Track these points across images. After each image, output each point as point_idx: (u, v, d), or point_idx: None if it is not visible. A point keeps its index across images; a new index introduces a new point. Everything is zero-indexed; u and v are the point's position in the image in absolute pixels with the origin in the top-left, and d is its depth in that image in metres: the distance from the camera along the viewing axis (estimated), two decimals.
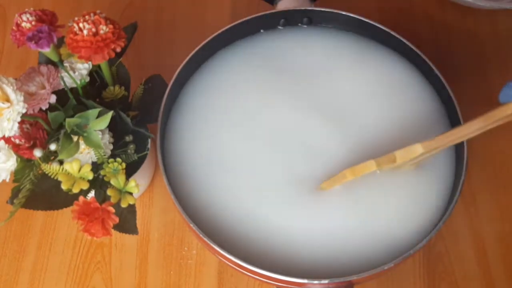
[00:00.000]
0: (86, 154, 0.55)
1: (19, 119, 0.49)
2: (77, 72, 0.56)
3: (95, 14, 0.50)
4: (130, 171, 0.58)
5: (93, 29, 0.49)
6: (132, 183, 0.53)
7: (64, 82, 0.54)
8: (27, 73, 0.54)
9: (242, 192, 0.55)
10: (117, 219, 0.51)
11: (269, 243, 0.53)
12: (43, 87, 0.53)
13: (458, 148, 0.56)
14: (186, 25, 0.80)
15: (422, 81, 0.61)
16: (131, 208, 0.54)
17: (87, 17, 0.50)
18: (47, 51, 0.51)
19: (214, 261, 0.65)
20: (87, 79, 0.56)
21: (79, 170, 0.52)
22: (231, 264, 0.52)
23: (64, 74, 0.55)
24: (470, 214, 0.67)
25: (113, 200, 0.51)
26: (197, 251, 0.66)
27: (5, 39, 0.80)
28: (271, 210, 0.54)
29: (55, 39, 0.50)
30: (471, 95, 0.71)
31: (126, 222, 0.55)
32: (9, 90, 0.48)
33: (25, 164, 0.54)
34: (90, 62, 0.56)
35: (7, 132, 0.49)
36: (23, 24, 0.51)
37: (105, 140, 0.55)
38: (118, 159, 0.53)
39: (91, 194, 0.55)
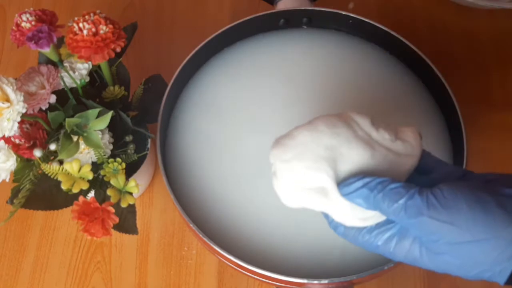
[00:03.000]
0: (86, 154, 0.55)
1: (19, 119, 0.49)
2: (77, 72, 0.56)
3: (95, 14, 0.50)
4: (130, 171, 0.58)
5: (93, 29, 0.49)
6: (132, 183, 0.53)
7: (64, 82, 0.54)
8: (27, 73, 0.54)
9: (243, 192, 0.55)
10: (117, 219, 0.51)
11: (269, 243, 0.53)
12: (43, 87, 0.53)
13: (458, 148, 0.56)
14: (186, 25, 0.80)
15: (423, 82, 0.61)
16: (131, 208, 0.54)
17: (87, 17, 0.50)
18: (47, 51, 0.51)
19: (214, 261, 0.65)
20: (87, 79, 0.56)
21: (79, 170, 0.52)
22: (231, 264, 0.52)
23: (64, 74, 0.55)
24: None
25: (113, 200, 0.51)
26: (197, 251, 0.66)
27: (5, 39, 0.80)
28: (271, 210, 0.54)
29: (55, 39, 0.50)
30: (471, 95, 0.71)
31: (126, 222, 0.55)
32: (9, 90, 0.48)
33: (25, 164, 0.54)
34: (90, 62, 0.56)
35: (7, 132, 0.49)
36: (23, 24, 0.51)
37: (105, 140, 0.55)
38: (118, 159, 0.53)
39: (91, 194, 0.55)
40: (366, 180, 0.36)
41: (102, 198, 0.54)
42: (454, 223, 0.33)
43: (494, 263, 0.33)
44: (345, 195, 0.37)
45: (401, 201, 0.35)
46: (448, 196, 0.34)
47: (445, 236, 0.34)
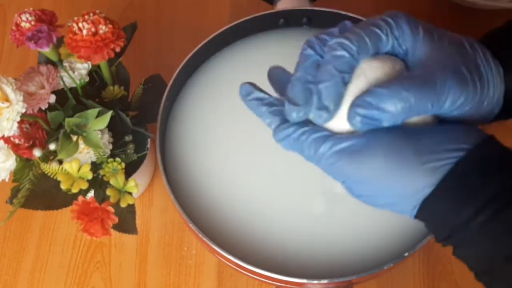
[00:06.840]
0: (85, 154, 0.55)
1: (18, 118, 0.49)
2: (77, 72, 0.56)
3: (94, 14, 0.50)
4: (130, 171, 0.58)
5: (93, 29, 0.49)
6: (131, 183, 0.53)
7: (63, 81, 0.54)
8: (26, 73, 0.54)
9: (242, 192, 0.55)
10: (116, 219, 0.51)
11: (269, 243, 0.53)
12: (43, 87, 0.53)
13: None
14: (186, 25, 0.80)
15: None
16: (131, 208, 0.55)
17: (86, 17, 0.50)
18: (47, 51, 0.51)
19: (214, 261, 0.65)
20: (87, 79, 0.56)
21: (79, 170, 0.52)
22: (230, 264, 0.52)
23: (63, 74, 0.55)
24: None
25: (112, 200, 0.51)
26: (196, 251, 0.66)
27: (5, 39, 0.80)
28: (271, 210, 0.54)
29: (54, 39, 0.50)
30: None
31: (126, 222, 0.55)
32: (8, 90, 0.48)
33: (25, 163, 0.54)
34: (89, 62, 0.56)
35: (7, 131, 0.49)
36: (23, 24, 0.51)
37: (105, 140, 0.55)
38: (118, 159, 0.53)
39: (91, 194, 0.55)
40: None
41: (101, 198, 0.54)
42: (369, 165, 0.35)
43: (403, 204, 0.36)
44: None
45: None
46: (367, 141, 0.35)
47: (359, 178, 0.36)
